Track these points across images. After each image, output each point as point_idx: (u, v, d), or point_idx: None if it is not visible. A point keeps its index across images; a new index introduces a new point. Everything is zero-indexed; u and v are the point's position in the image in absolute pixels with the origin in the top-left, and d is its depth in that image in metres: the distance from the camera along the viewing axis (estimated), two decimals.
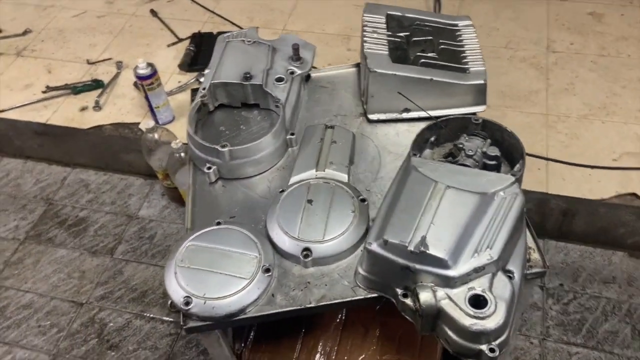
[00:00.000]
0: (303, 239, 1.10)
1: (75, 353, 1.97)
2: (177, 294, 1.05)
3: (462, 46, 1.35)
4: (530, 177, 2.09)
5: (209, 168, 1.25)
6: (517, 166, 1.08)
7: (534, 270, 1.08)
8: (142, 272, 2.15)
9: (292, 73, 1.38)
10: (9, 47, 2.68)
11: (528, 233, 1.12)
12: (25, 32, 2.73)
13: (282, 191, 1.19)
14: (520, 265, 1.02)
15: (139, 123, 2.31)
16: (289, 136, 1.30)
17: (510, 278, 1.00)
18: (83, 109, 2.38)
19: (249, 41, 1.41)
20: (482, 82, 1.28)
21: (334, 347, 1.32)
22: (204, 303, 1.04)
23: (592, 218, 2.01)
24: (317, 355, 1.31)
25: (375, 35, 1.32)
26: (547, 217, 2.14)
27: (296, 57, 1.39)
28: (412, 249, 0.95)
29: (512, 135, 1.12)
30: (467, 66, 1.31)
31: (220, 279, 1.06)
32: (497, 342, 0.93)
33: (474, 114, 1.30)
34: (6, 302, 2.10)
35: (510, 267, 1.01)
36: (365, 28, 1.34)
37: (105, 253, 2.21)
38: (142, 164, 2.33)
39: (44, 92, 2.43)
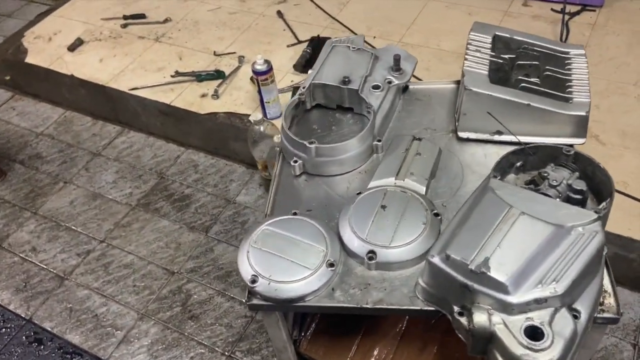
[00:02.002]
0: (370, 241, 1.13)
1: (160, 316, 2.13)
2: (245, 271, 1.13)
3: (569, 75, 1.30)
4: (637, 225, 1.95)
5: (295, 161, 1.32)
6: (604, 204, 1.03)
7: (606, 315, 1.02)
8: (230, 254, 2.28)
9: (389, 82, 1.41)
10: (150, 32, 2.97)
11: (606, 276, 1.06)
12: (165, 20, 3.01)
13: (359, 193, 1.23)
14: (590, 306, 0.98)
15: (249, 115, 2.45)
16: (375, 142, 1.33)
17: (576, 317, 0.95)
18: (203, 95, 2.57)
19: (354, 47, 1.47)
20: (584, 113, 1.23)
21: (389, 356, 1.33)
22: (269, 284, 1.10)
23: None
24: None
25: (478, 54, 1.32)
26: None
27: (396, 67, 1.42)
28: (473, 268, 0.95)
29: (604, 171, 1.07)
30: (570, 96, 1.26)
31: (287, 264, 1.12)
32: None
33: (571, 146, 1.25)
34: (111, 259, 2.32)
35: (577, 306, 0.97)
36: (469, 46, 1.34)
37: (201, 230, 2.38)
38: (246, 153, 2.48)
39: (172, 76, 2.66)
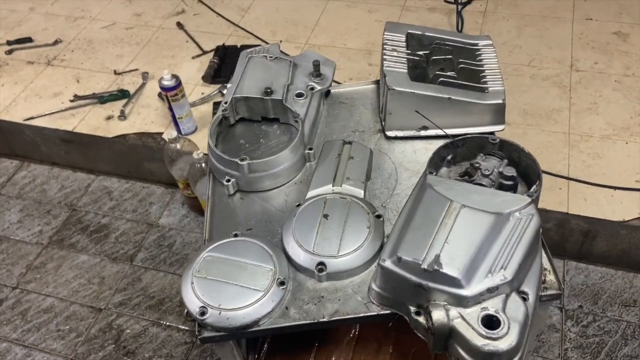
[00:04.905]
0: (318, 253, 1.12)
1: (93, 358, 1.99)
2: (192, 304, 1.07)
3: (481, 65, 1.35)
4: (551, 197, 2.07)
5: (228, 180, 1.27)
6: (534, 187, 1.08)
7: (549, 292, 1.07)
8: (160, 280, 2.17)
9: (312, 89, 1.40)
10: (40, 57, 2.76)
11: (544, 254, 1.12)
12: (55, 42, 2.81)
13: (299, 205, 1.21)
14: (535, 286, 1.02)
15: (162, 133, 2.35)
16: (307, 151, 1.32)
17: (525, 299, 0.99)
18: (109, 118, 2.43)
19: (271, 57, 1.44)
20: (500, 101, 1.28)
21: None
22: (219, 314, 1.05)
23: (613, 239, 1.98)
24: None
25: (395, 54, 1.34)
26: (567, 238, 2.12)
27: (316, 73, 1.41)
28: (426, 267, 0.96)
29: (529, 156, 1.12)
30: (485, 85, 1.31)
31: (236, 290, 1.08)
32: None
33: (492, 133, 1.30)
34: (27, 306, 2.14)
35: (524, 288, 1.00)
36: (385, 46, 1.36)
37: (125, 260, 2.25)
38: (163, 173, 2.37)
39: (71, 100, 2.49)
